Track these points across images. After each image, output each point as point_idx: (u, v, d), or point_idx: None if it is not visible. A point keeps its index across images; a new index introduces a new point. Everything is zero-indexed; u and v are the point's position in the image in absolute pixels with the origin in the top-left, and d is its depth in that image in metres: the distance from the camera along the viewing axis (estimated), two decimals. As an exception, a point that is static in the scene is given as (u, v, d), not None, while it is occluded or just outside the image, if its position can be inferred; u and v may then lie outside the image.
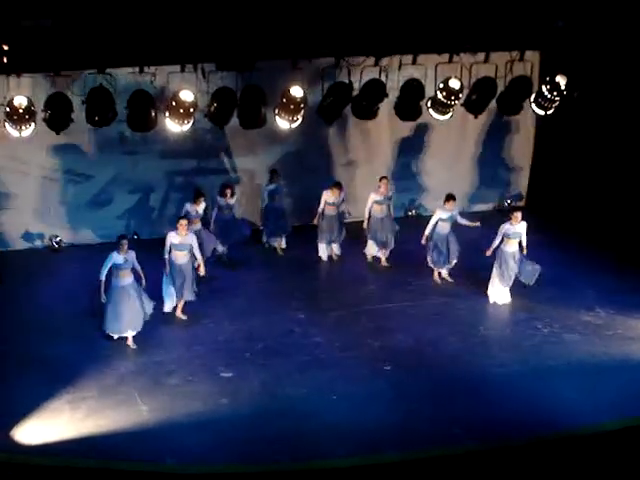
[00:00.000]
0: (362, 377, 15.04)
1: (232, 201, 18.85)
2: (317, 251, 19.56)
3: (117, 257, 15.63)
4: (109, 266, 15.62)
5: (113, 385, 14.65)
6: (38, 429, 13.40)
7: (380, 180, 18.79)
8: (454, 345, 16.07)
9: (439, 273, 18.46)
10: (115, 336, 15.81)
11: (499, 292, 17.51)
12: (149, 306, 16.03)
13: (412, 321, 16.89)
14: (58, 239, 19.63)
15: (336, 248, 19.64)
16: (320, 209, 19.16)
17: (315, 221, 19.37)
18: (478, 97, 17.76)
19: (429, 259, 18.27)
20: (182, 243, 16.47)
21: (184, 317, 16.80)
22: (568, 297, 17.64)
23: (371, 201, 18.79)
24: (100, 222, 19.56)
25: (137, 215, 19.99)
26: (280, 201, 19.60)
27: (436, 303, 17.65)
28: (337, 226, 19.32)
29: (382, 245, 19.08)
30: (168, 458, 12.86)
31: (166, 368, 15.22)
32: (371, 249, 19.35)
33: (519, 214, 17.18)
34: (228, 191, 18.73)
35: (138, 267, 15.89)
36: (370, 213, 18.88)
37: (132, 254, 15.77)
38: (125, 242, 15.66)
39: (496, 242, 17.25)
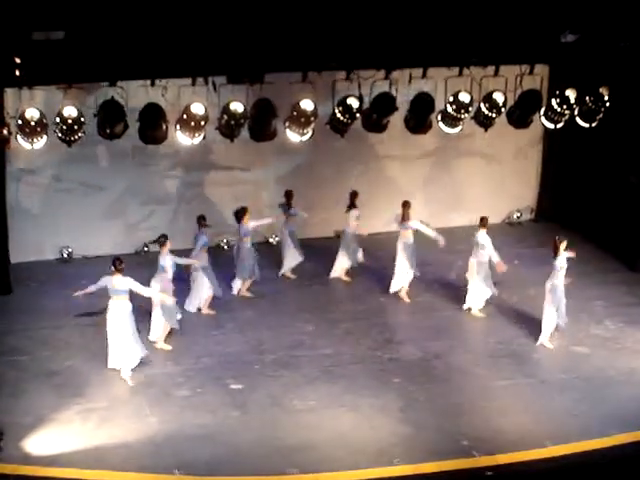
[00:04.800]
0: (371, 389, 15.08)
1: (252, 225, 18.34)
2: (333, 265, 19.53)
3: (108, 280, 15.24)
4: (100, 285, 15.24)
5: (123, 396, 14.73)
6: (48, 440, 13.46)
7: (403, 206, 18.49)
8: (462, 357, 16.10)
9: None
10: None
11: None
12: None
13: (421, 334, 16.93)
14: (69, 250, 19.72)
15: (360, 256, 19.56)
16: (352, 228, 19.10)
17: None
18: (488, 111, 17.77)
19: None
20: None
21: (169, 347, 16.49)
22: (577, 310, 17.60)
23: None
24: (112, 234, 19.65)
25: (148, 227, 20.06)
26: (292, 224, 19.41)
27: (444, 316, 17.68)
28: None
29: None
30: (176, 470, 12.87)
31: (176, 380, 15.28)
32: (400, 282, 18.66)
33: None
34: (246, 216, 18.14)
35: (139, 288, 15.41)
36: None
37: (128, 281, 15.26)
38: (118, 265, 15.23)
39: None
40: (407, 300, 18.40)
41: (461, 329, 17.13)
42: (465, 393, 14.98)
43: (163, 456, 13.22)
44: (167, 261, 16.27)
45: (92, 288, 15.40)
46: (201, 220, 17.61)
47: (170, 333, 16.58)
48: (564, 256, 16.38)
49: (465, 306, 17.80)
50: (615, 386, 15.13)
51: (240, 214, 18.11)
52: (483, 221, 17.58)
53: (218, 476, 12.88)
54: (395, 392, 14.98)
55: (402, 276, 18.38)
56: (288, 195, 19.18)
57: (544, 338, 16.57)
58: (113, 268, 15.23)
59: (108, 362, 15.42)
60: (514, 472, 13.04)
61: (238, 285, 18.52)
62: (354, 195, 19.02)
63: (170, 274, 16.35)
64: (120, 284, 15.22)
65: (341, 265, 19.42)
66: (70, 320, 16.37)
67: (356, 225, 19.01)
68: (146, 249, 19.65)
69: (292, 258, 19.42)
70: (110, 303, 15.30)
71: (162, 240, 16.37)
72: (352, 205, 18.98)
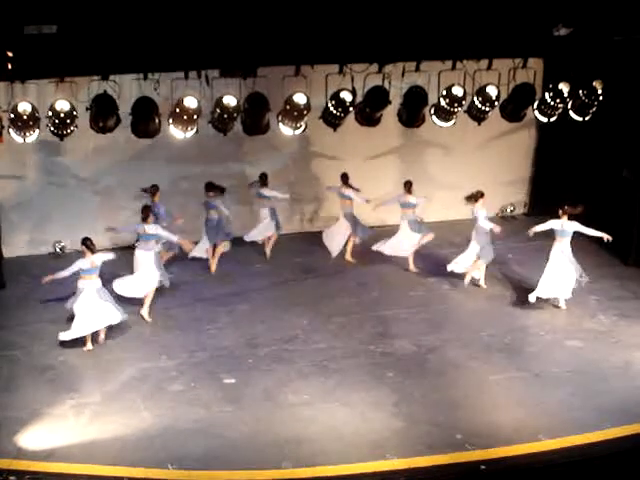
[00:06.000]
0: (365, 383, 15.06)
1: (217, 202, 19.11)
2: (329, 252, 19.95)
3: (82, 262, 15.84)
4: (74, 269, 15.83)
5: (116, 391, 14.69)
6: (42, 435, 13.42)
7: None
8: (456, 351, 16.08)
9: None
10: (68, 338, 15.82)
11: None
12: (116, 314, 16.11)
13: (414, 327, 16.92)
14: (62, 245, 19.69)
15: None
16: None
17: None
18: (482, 104, 17.76)
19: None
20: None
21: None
22: (571, 304, 17.65)
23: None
24: (105, 228, 19.55)
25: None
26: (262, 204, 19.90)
27: (438, 309, 17.69)
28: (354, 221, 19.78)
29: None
30: (170, 464, 12.85)
31: (169, 374, 15.26)
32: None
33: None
34: (211, 192, 19.04)
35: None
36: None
37: (98, 258, 15.93)
38: (85, 246, 15.87)
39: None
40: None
41: (455, 323, 17.10)
42: (459, 387, 14.97)
43: (156, 450, 13.19)
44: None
45: (65, 273, 15.89)
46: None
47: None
48: (563, 223, 17.20)
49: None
50: (609, 380, 15.12)
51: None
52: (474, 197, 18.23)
53: (212, 470, 12.84)
54: (389, 386, 14.97)
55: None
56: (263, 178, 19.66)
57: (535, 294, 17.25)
58: (85, 248, 15.86)
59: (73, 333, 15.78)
60: (508, 466, 13.03)
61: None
62: (344, 177, 19.63)
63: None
64: (94, 262, 15.86)
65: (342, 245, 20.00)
66: (63, 315, 16.32)
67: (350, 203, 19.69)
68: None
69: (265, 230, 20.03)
70: (81, 283, 15.88)
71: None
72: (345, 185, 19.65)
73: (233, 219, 19.98)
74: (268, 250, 20.09)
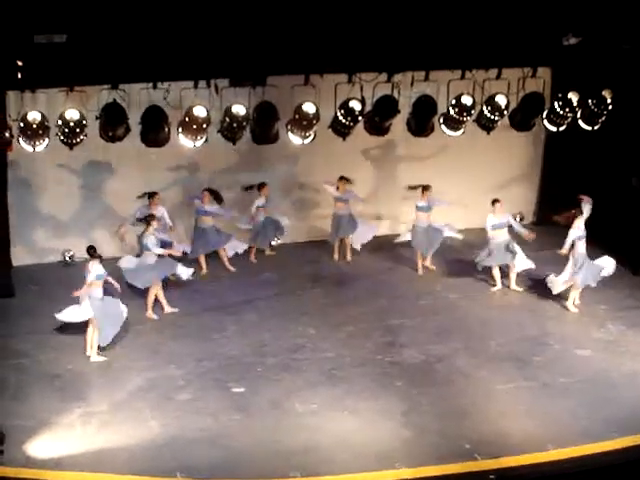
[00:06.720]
0: (373, 392, 15.04)
1: (212, 208, 19.08)
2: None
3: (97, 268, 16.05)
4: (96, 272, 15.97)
5: (124, 400, 14.68)
6: (50, 444, 13.43)
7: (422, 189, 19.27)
8: (464, 360, 16.06)
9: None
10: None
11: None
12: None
13: (423, 336, 16.89)
14: (71, 254, 19.69)
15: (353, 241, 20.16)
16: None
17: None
18: (491, 113, 17.76)
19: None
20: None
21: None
22: (579, 313, 17.65)
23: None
24: (114, 237, 19.57)
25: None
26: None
27: (446, 318, 17.65)
28: (347, 223, 19.82)
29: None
30: (178, 473, 12.83)
31: (177, 383, 15.25)
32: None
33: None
34: (206, 195, 19.03)
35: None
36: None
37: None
38: (93, 253, 16.05)
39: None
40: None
41: (463, 332, 17.06)
42: (467, 396, 14.95)
43: (164, 459, 13.18)
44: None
45: (89, 279, 15.95)
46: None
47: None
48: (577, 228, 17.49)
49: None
50: (617, 389, 15.09)
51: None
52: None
53: (219, 479, 12.85)
54: (397, 395, 14.95)
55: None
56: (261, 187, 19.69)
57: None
58: (89, 256, 16.04)
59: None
60: (517, 475, 13.02)
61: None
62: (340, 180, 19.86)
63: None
64: (99, 270, 15.96)
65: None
66: (73, 324, 16.33)
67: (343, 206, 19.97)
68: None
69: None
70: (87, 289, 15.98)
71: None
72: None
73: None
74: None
